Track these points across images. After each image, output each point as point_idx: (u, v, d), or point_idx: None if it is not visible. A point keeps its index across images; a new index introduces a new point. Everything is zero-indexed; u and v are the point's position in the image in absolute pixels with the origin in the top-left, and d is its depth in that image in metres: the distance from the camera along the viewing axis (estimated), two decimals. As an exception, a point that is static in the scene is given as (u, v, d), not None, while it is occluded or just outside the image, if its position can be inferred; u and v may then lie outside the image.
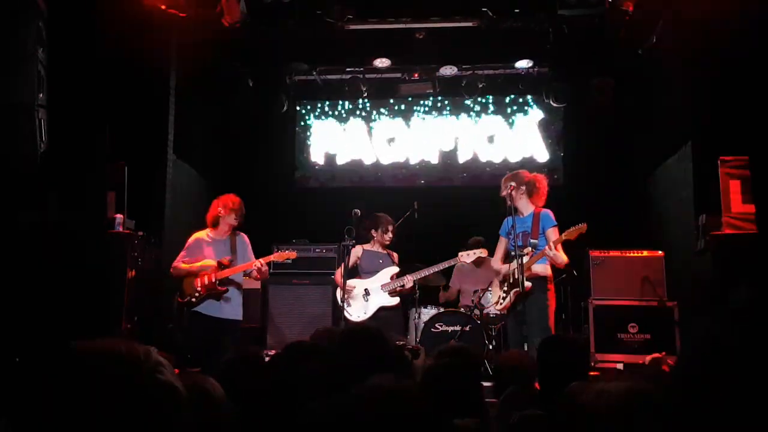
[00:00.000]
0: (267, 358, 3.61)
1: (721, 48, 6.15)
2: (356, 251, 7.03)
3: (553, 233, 5.95)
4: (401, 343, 5.66)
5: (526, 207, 6.14)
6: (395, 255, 7.10)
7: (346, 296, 6.79)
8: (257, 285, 7.63)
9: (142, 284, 6.39)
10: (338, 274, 7.00)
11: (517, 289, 5.80)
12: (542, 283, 5.94)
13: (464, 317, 7.27)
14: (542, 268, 5.97)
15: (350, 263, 6.96)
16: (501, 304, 6.19)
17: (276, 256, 6.37)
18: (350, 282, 6.83)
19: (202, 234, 6.20)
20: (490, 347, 7.07)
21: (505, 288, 6.12)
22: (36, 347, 4.51)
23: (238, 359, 2.77)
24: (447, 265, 6.94)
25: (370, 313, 6.81)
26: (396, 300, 6.84)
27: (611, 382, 1.66)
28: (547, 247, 5.81)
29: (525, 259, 5.82)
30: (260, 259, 6.12)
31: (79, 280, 5.48)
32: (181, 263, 6.07)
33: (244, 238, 6.28)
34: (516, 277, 5.76)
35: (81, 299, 5.42)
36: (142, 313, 6.38)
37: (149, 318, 6.51)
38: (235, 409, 2.19)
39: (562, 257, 5.87)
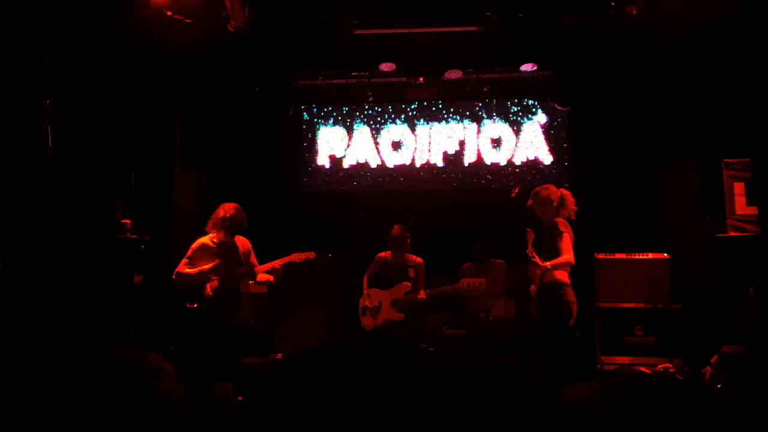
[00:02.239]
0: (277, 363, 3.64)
1: (724, 50, 6.16)
2: (378, 259, 7.24)
3: (560, 242, 6.03)
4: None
5: (544, 217, 6.24)
6: (417, 261, 7.22)
7: (363, 304, 7.02)
8: (263, 289, 7.64)
9: (149, 289, 6.42)
10: (365, 279, 7.24)
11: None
12: (557, 289, 6.01)
13: (471, 321, 7.29)
14: (558, 275, 6.05)
15: (374, 271, 7.19)
16: None
17: (294, 257, 6.31)
18: (372, 291, 7.08)
19: (205, 239, 6.18)
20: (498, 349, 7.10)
21: None
22: (39, 351, 4.53)
23: (251, 365, 2.80)
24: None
25: (378, 324, 7.00)
26: (401, 315, 7.02)
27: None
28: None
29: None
30: (277, 261, 6.14)
31: (85, 285, 5.52)
32: (186, 269, 6.06)
33: (246, 243, 6.30)
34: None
35: (87, 304, 5.46)
36: (149, 318, 6.41)
37: (156, 323, 6.55)
38: (245, 413, 2.22)
39: (544, 266, 5.99)
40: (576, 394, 1.64)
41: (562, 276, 6.02)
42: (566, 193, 6.30)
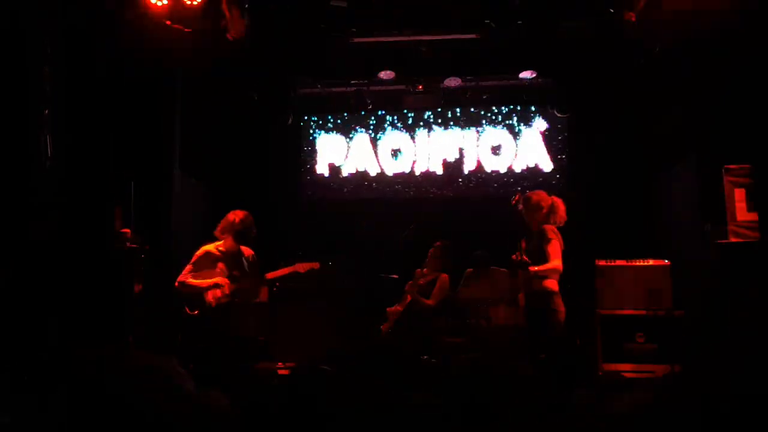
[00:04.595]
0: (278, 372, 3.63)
1: (725, 56, 6.17)
2: None
3: (548, 248, 5.96)
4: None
5: (533, 223, 6.17)
6: (439, 281, 7.30)
7: None
8: (264, 298, 7.62)
9: (149, 298, 6.40)
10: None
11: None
12: (546, 298, 5.94)
13: (471, 328, 7.27)
14: (547, 282, 5.96)
15: None
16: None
17: (298, 267, 6.27)
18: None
19: (210, 247, 6.17)
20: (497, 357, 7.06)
21: None
22: (37, 345, 4.53)
23: (254, 375, 2.79)
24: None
25: None
26: None
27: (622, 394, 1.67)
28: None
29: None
30: (281, 270, 6.13)
31: (85, 294, 5.51)
32: (189, 277, 6.03)
33: (251, 254, 6.28)
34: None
35: (88, 313, 5.45)
36: (149, 326, 6.39)
37: (156, 332, 6.52)
38: (242, 422, 2.20)
39: (543, 272, 5.91)
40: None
41: (551, 284, 5.94)
42: (557, 200, 6.25)
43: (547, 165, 9.64)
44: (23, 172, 5.00)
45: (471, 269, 8.10)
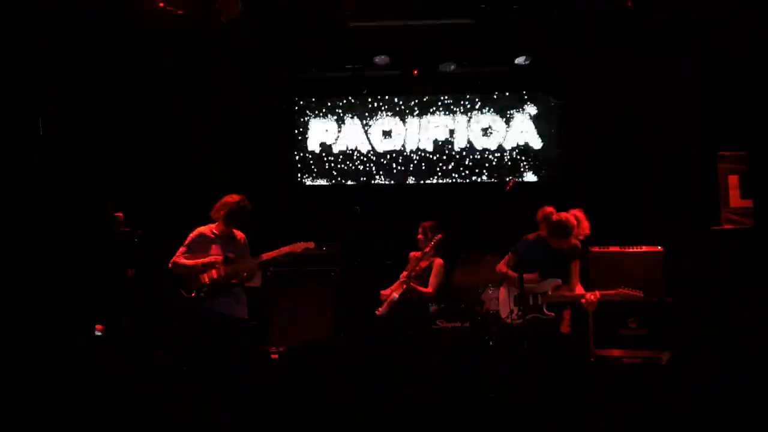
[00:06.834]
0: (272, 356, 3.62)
1: (720, 44, 6.17)
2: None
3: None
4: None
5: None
6: (435, 267, 7.19)
7: None
8: (257, 282, 7.59)
9: (142, 283, 6.39)
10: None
11: None
12: None
13: (465, 314, 7.28)
14: None
15: None
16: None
17: (293, 247, 6.21)
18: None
19: (204, 229, 6.14)
20: (490, 344, 7.08)
21: None
22: (37, 344, 4.53)
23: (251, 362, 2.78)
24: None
25: None
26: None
27: None
28: None
29: None
30: (277, 251, 6.09)
31: (78, 279, 5.50)
32: (182, 258, 6.00)
33: (243, 237, 6.26)
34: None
35: (80, 297, 5.44)
36: (142, 311, 6.38)
37: (149, 316, 6.51)
38: (236, 412, 2.20)
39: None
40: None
41: None
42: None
43: (540, 150, 9.63)
44: (23, 172, 4.99)
45: (464, 254, 8.11)
